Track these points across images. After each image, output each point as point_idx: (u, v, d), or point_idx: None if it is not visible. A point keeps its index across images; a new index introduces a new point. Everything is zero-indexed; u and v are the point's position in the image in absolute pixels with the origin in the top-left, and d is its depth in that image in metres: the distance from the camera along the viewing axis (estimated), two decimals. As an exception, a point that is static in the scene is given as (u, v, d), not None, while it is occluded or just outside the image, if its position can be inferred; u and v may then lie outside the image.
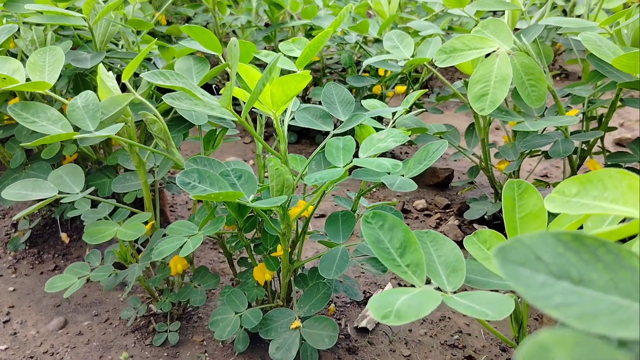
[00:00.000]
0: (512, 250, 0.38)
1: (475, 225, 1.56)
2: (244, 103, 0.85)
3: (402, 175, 0.86)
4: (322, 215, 1.63)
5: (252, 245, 0.99)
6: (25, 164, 1.22)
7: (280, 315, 0.92)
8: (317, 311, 0.91)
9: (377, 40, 2.01)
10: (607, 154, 1.38)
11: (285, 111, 0.97)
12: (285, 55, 1.05)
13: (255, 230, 0.99)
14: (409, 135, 0.97)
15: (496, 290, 1.11)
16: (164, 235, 0.92)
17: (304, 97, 2.18)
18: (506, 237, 0.73)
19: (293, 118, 1.00)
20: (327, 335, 0.88)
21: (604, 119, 1.39)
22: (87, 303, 1.22)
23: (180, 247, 0.84)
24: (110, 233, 0.94)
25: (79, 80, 1.23)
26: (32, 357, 1.05)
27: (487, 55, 1.06)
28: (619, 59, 0.88)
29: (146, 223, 1.01)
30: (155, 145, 1.03)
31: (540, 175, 1.92)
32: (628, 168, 1.34)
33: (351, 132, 0.98)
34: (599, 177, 0.55)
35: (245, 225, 0.95)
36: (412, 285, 0.63)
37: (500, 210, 1.44)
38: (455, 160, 1.92)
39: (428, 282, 0.64)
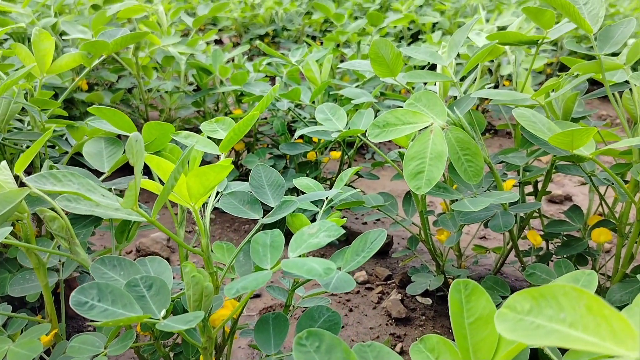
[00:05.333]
0: None
1: (418, 298, 1.49)
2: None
3: (339, 269, 0.78)
4: (257, 296, 1.51)
5: (171, 354, 0.86)
6: None
7: None
8: None
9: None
10: (545, 222, 1.36)
11: (210, 197, 0.87)
12: (208, 136, 0.96)
13: (175, 335, 0.87)
14: (343, 223, 0.89)
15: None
16: (65, 352, 0.79)
17: (237, 164, 2.09)
18: (455, 345, 0.66)
19: (218, 200, 0.91)
20: None
21: (539, 186, 1.38)
22: None
23: (83, 370, 0.71)
24: (-2, 354, 0.79)
25: (-26, 164, 1.09)
26: None
27: (419, 130, 1.02)
28: (556, 137, 0.85)
29: (48, 333, 0.87)
30: (58, 243, 0.90)
31: (478, 237, 1.89)
32: (567, 235, 1.32)
33: (282, 219, 0.89)
34: (553, 293, 0.47)
35: (162, 333, 0.83)
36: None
37: (444, 283, 1.38)
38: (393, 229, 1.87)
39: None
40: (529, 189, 1.44)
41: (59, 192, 0.61)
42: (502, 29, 1.88)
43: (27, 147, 1.16)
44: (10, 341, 0.83)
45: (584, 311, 0.45)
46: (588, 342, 0.42)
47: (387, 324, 1.39)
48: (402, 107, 1.03)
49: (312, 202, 0.95)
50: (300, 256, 0.71)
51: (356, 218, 2.03)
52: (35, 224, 1.18)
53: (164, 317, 0.66)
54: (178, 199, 0.76)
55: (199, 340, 0.74)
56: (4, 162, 0.84)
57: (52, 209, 0.82)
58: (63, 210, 0.83)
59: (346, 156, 1.77)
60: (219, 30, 3.85)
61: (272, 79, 2.10)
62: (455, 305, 0.66)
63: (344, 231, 0.75)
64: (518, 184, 1.32)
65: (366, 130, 1.06)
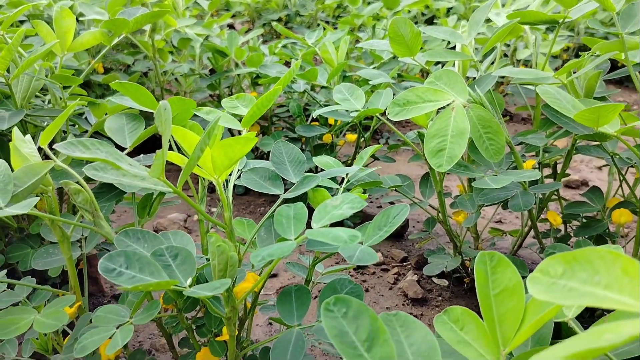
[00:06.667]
0: None
1: (434, 280, 1.49)
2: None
3: (361, 243, 0.78)
4: (274, 275, 1.52)
5: (194, 326, 0.87)
6: None
7: (228, 408, 0.80)
8: (271, 402, 0.79)
9: (325, 87, 1.97)
10: (564, 202, 1.35)
11: (231, 174, 0.87)
12: (229, 112, 0.96)
13: (198, 308, 0.88)
14: (365, 198, 0.89)
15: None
16: (91, 321, 0.80)
17: (252, 147, 2.09)
18: (480, 315, 0.65)
19: (239, 176, 0.91)
20: None
21: (559, 167, 1.37)
22: (3, 396, 1.06)
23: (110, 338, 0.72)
24: (25, 324, 0.80)
25: (-4, 142, 1.10)
26: None
27: (439, 109, 1.01)
28: (581, 114, 0.84)
29: (72, 305, 0.88)
30: (82, 216, 0.91)
31: (494, 221, 1.89)
32: (586, 217, 1.31)
33: (304, 195, 0.89)
34: (587, 256, 0.47)
35: (186, 304, 0.84)
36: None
37: (461, 264, 1.38)
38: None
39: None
40: (546, 173, 1.43)
41: (88, 159, 0.62)
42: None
43: (49, 124, 1.17)
44: (35, 312, 0.84)
45: (620, 273, 0.45)
46: (624, 303, 0.42)
47: (403, 304, 1.39)
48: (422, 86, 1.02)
49: (329, 187, 0.95)
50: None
51: (371, 202, 2.03)
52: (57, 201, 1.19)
53: (190, 286, 0.67)
54: (202, 171, 0.76)
55: (222, 310, 0.75)
56: (29, 136, 0.84)
57: (77, 183, 0.82)
58: (87, 183, 0.84)
59: (362, 139, 1.76)
60: (232, 15, 3.84)
61: (287, 64, 2.10)
62: (481, 277, 0.66)
63: (367, 203, 0.75)
64: (537, 165, 1.31)
65: (385, 110, 1.06)
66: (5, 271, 0.83)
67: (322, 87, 1.96)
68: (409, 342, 0.62)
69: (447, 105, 0.98)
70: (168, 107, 0.62)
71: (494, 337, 0.63)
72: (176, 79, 2.25)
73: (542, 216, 1.41)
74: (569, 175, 1.42)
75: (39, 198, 0.73)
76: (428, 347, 0.61)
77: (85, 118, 1.27)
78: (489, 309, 0.65)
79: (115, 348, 0.69)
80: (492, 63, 1.48)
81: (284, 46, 2.03)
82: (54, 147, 0.61)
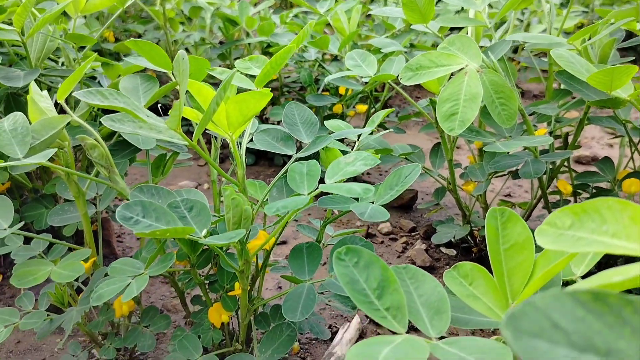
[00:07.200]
0: (524, 318, 0.30)
1: (442, 249, 1.50)
2: (197, 124, 0.76)
3: (373, 203, 0.79)
4: (283, 242, 1.54)
5: (206, 282, 0.89)
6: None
7: (239, 361, 0.82)
8: (281, 356, 0.81)
9: (336, 59, 1.96)
10: (574, 174, 1.35)
11: (243, 133, 0.88)
12: (242, 73, 0.96)
13: (210, 265, 0.90)
14: (378, 157, 0.90)
15: (481, 330, 1.03)
16: (106, 274, 0.81)
17: (262, 117, 2.10)
18: (490, 270, 0.66)
19: (251, 140, 0.92)
20: (293, 382, 0.79)
21: (570, 137, 1.37)
22: (20, 350, 1.09)
23: (124, 289, 0.74)
24: (43, 274, 0.82)
25: (11, 101, 1.11)
26: (-48, 418, 0.91)
27: (452, 74, 1.01)
28: (595, 76, 0.84)
29: (86, 260, 0.90)
30: (97, 173, 0.92)
31: (503, 194, 1.89)
32: (596, 188, 1.31)
33: (315, 155, 0.90)
34: (595, 207, 0.48)
35: (199, 260, 0.85)
36: (392, 332, 0.55)
37: (469, 233, 1.39)
38: (418, 181, 1.87)
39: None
40: (557, 145, 1.43)
41: (106, 107, 0.62)
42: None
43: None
44: (52, 264, 0.86)
45: (628, 222, 0.45)
46: (632, 249, 0.42)
47: (411, 273, 1.40)
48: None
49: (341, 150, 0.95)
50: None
51: (380, 174, 2.03)
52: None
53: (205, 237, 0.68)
54: (216, 128, 0.76)
55: (236, 264, 0.76)
56: (45, 92, 0.85)
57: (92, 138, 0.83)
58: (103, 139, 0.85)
59: (373, 109, 1.76)
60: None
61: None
62: (492, 232, 0.66)
63: (380, 161, 0.76)
64: (549, 134, 1.31)
65: (397, 76, 1.06)
66: (22, 223, 0.84)
67: (333, 59, 1.95)
68: (418, 293, 0.63)
69: (460, 69, 0.98)
70: (186, 57, 0.63)
71: (503, 290, 0.64)
72: (187, 49, 2.25)
73: (552, 189, 1.41)
74: (580, 146, 1.42)
75: (55, 150, 0.75)
76: (437, 298, 0.62)
77: (98, 82, 1.28)
78: (499, 263, 0.66)
79: (131, 295, 0.70)
80: (506, 33, 1.47)
81: (295, 15, 2.02)
82: (73, 94, 0.62)
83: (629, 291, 0.64)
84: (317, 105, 1.68)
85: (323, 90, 1.87)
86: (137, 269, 0.77)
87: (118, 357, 1.00)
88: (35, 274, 0.83)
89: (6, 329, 0.85)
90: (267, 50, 2.01)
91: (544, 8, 1.48)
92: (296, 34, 2.04)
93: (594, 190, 1.29)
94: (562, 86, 1.21)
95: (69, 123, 0.82)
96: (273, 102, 2.09)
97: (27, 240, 0.94)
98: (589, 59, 1.13)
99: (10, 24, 1.00)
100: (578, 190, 1.34)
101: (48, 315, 0.89)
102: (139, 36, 2.30)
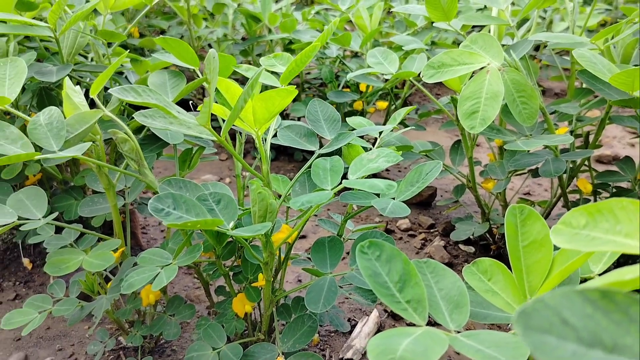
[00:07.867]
0: (534, 314, 0.32)
1: (461, 246, 1.51)
2: (223, 121, 0.79)
3: (393, 199, 0.81)
4: (303, 236, 1.56)
5: (231, 274, 0.92)
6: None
7: (261, 350, 0.85)
8: (302, 346, 0.84)
9: (356, 55, 1.97)
10: (595, 173, 1.35)
11: (268, 129, 0.91)
12: (266, 70, 0.99)
13: (234, 257, 0.92)
14: (400, 154, 0.91)
15: (498, 326, 1.04)
16: (135, 264, 0.85)
17: (283, 113, 2.12)
18: (509, 267, 0.68)
19: (275, 135, 0.94)
20: (314, 372, 0.81)
21: (591, 136, 1.37)
22: (50, 336, 1.13)
23: (153, 279, 0.76)
24: (75, 263, 0.86)
25: (44, 95, 1.15)
26: (-14, 399, 0.96)
27: (474, 72, 1.02)
28: (617, 77, 0.84)
29: (116, 250, 0.93)
30: (126, 165, 0.95)
31: (522, 193, 1.89)
32: (616, 187, 1.31)
33: (338, 152, 0.92)
34: (610, 207, 0.49)
35: (224, 252, 0.88)
36: (411, 324, 0.57)
37: (488, 231, 1.39)
38: (438, 178, 1.88)
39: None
40: (578, 144, 1.43)
41: (140, 104, 0.65)
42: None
43: (91, 80, 1.21)
44: (84, 253, 0.90)
45: (641, 222, 0.46)
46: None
47: (429, 269, 1.42)
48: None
49: (363, 147, 0.97)
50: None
51: (399, 171, 2.05)
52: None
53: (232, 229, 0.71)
54: (243, 124, 0.79)
55: (260, 255, 0.79)
56: (78, 87, 0.89)
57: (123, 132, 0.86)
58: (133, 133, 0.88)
59: (393, 106, 1.77)
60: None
61: (319, 32, 2.10)
62: (511, 229, 0.68)
63: (402, 158, 0.78)
64: (569, 133, 1.31)
65: (419, 74, 1.07)
66: (56, 214, 0.88)
67: (354, 55, 1.97)
68: (438, 287, 0.64)
69: (482, 68, 0.99)
70: (216, 56, 0.65)
71: (521, 287, 0.66)
72: (209, 45, 2.28)
73: (572, 187, 1.41)
74: (601, 146, 1.41)
75: (90, 143, 0.78)
76: (457, 293, 0.64)
77: (126, 77, 1.32)
78: (518, 260, 0.68)
79: (160, 285, 0.73)
80: (528, 31, 1.47)
81: (317, 12, 2.04)
82: (109, 91, 0.65)
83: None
84: (338, 101, 1.70)
85: (343, 87, 1.89)
86: (166, 259, 0.80)
87: (144, 344, 1.04)
88: (68, 263, 0.86)
89: (40, 315, 0.88)
90: (288, 46, 2.03)
91: (567, 6, 1.47)
92: (318, 30, 2.06)
93: (614, 190, 1.29)
94: (584, 85, 1.21)
95: (101, 118, 0.86)
96: (294, 99, 2.11)
97: (58, 230, 0.98)
98: (611, 59, 1.13)
99: (41, 19, 1.04)
100: (598, 190, 1.34)
101: (79, 302, 0.93)
102: (163, 32, 2.34)
